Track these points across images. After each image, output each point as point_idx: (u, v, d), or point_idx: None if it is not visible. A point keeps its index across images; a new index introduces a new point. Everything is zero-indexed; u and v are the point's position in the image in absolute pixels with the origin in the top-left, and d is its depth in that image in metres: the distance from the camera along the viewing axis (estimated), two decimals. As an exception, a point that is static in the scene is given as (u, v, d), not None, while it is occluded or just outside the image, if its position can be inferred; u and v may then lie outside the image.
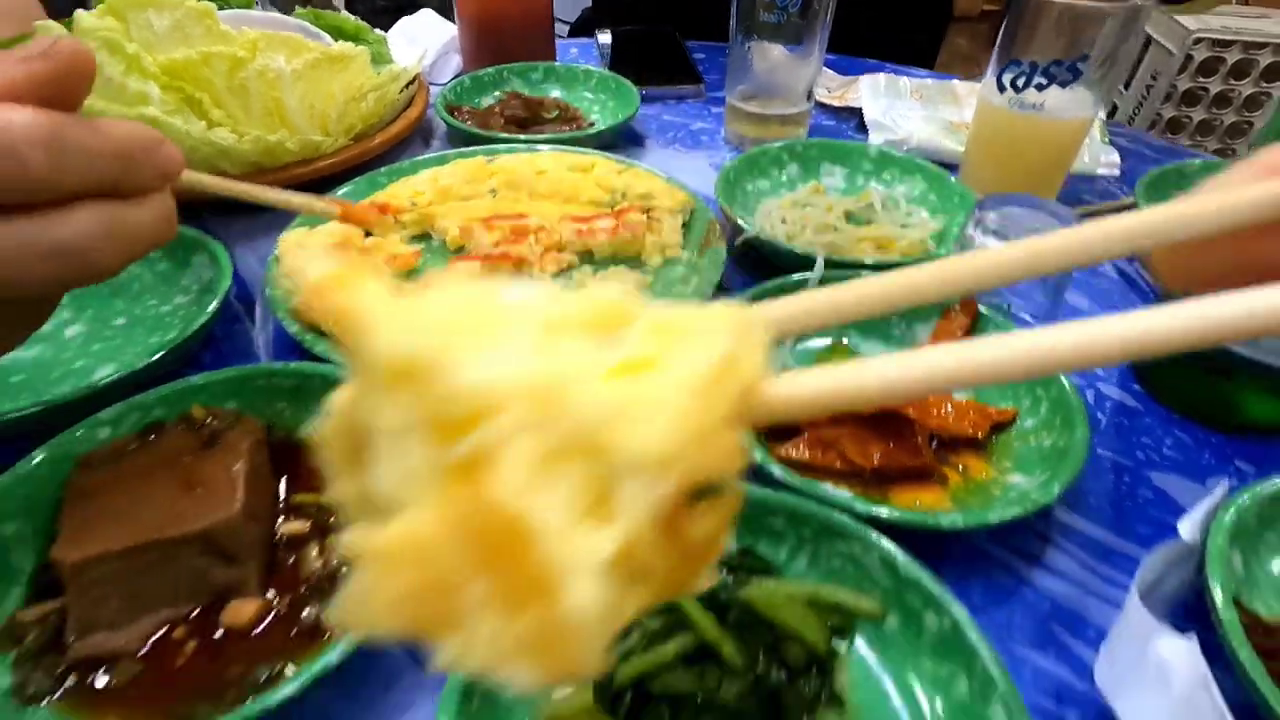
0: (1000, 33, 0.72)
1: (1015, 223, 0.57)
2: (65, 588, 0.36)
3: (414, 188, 0.70)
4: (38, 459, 0.42)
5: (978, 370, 0.14)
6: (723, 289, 0.63)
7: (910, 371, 0.14)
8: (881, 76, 0.97)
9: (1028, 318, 0.59)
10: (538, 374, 0.13)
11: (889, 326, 0.60)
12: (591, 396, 0.13)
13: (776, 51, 0.85)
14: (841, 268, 0.60)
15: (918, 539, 0.39)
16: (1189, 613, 0.40)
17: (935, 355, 0.15)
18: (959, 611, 0.35)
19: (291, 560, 0.41)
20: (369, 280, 0.15)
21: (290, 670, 0.36)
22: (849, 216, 0.74)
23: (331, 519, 0.43)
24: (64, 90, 0.29)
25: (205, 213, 0.69)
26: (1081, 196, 0.83)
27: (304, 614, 0.38)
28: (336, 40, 0.78)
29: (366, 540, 0.13)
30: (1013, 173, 0.74)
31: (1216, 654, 0.33)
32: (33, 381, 0.54)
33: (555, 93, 0.98)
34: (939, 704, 0.35)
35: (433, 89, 0.95)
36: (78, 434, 0.43)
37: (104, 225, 0.30)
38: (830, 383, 0.15)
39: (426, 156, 0.77)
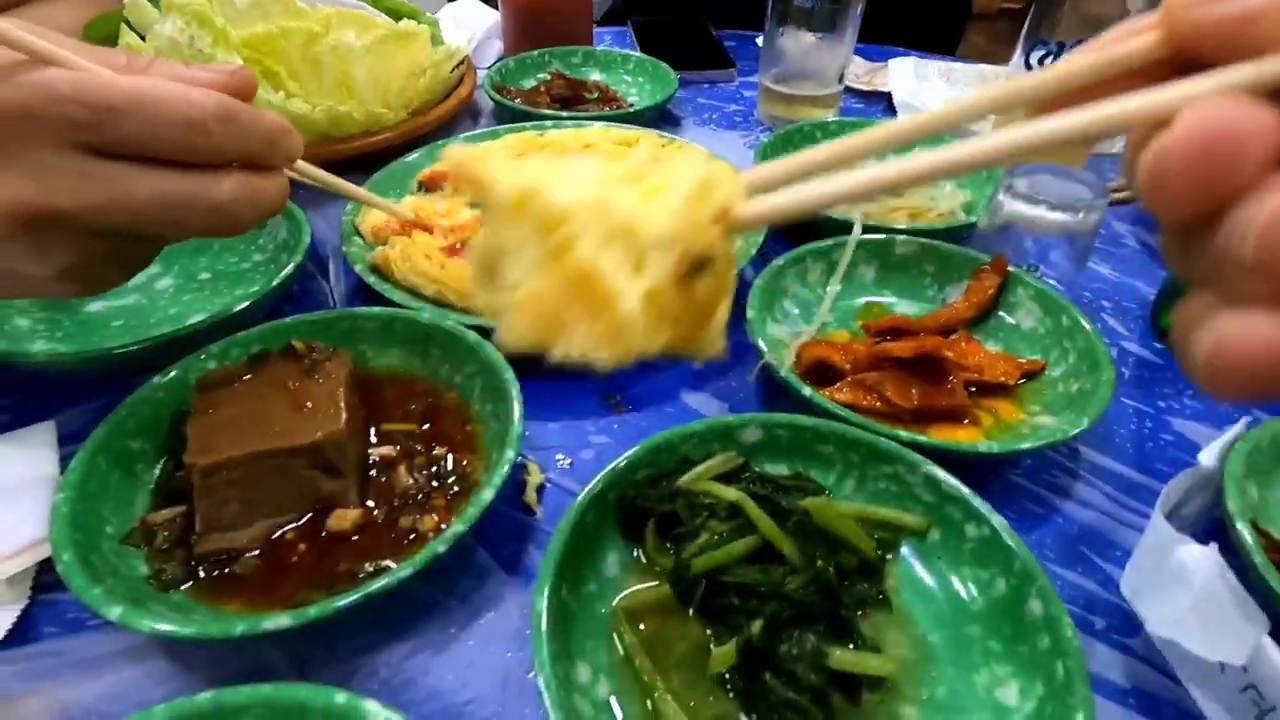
0: (1029, 14, 0.76)
1: (1045, 189, 0.60)
2: (193, 490, 0.41)
3: (470, 158, 0.75)
4: (155, 383, 0.46)
5: (901, 174, 0.21)
6: (762, 255, 0.67)
7: (850, 181, 0.21)
8: (910, 59, 1.00)
9: (1053, 281, 0.62)
10: (596, 195, 0.21)
11: (923, 287, 0.63)
12: (628, 205, 0.21)
13: (809, 37, 0.89)
14: (877, 231, 0.64)
15: (955, 473, 0.42)
16: (1208, 535, 0.43)
17: (871, 172, 0.21)
18: (997, 520, 0.39)
19: (384, 479, 0.45)
20: (490, 153, 0.23)
21: (392, 565, 0.40)
22: (881, 190, 0.77)
23: (417, 445, 0.47)
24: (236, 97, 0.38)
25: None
26: (1105, 175, 0.86)
27: (400, 522, 0.42)
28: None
29: (510, 298, 0.22)
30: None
31: (1236, 573, 0.37)
32: (133, 326, 0.58)
33: (595, 75, 1.02)
34: (981, 602, 0.38)
35: (478, 72, 1.00)
36: (188, 365, 0.48)
37: (246, 191, 0.38)
38: (784, 200, 0.22)
39: (479, 131, 0.81)
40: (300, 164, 0.48)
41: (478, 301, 0.24)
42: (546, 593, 0.35)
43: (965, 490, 0.40)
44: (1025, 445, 0.44)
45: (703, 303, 0.23)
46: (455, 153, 0.23)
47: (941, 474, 0.41)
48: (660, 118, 0.95)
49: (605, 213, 0.21)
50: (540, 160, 0.23)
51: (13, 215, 0.34)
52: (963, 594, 0.39)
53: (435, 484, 0.45)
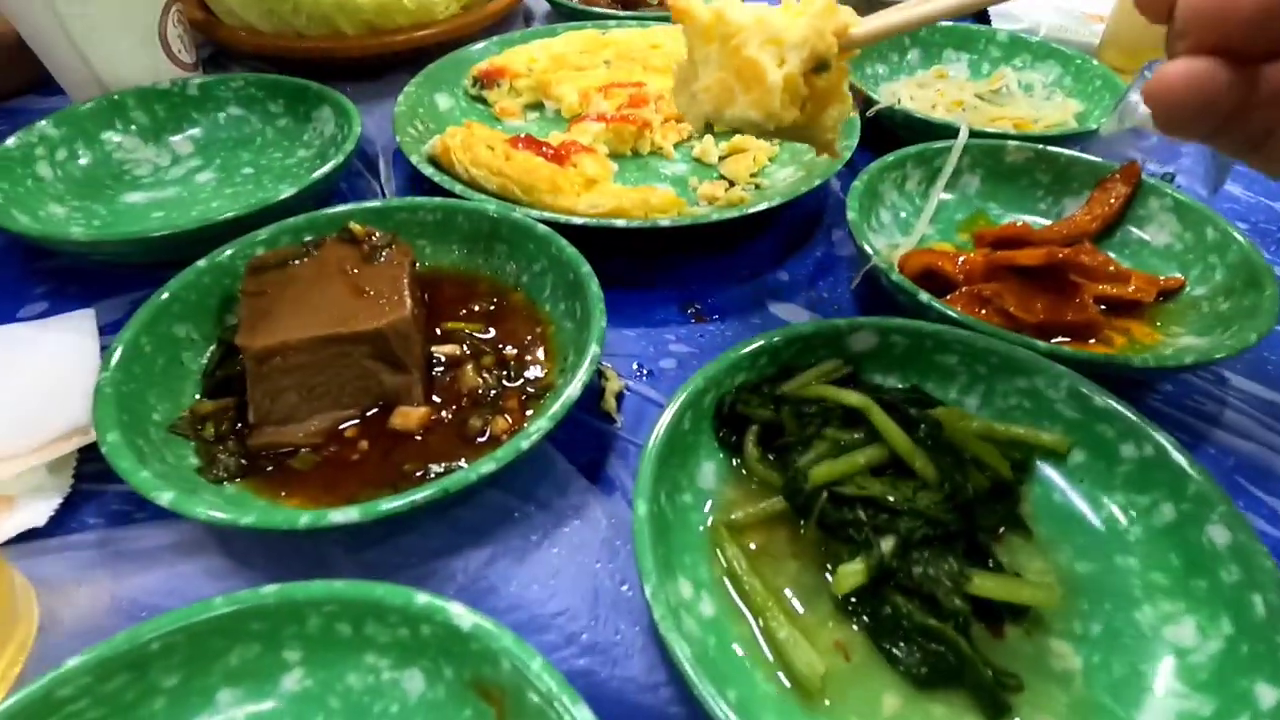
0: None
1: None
2: (246, 377, 0.37)
3: (529, 55, 0.68)
4: (200, 266, 0.42)
5: None
6: (851, 166, 0.60)
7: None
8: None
9: (1190, 193, 0.55)
10: (758, 15, 0.31)
11: (1034, 200, 0.57)
12: (778, 20, 0.31)
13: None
14: (986, 137, 0.57)
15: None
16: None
17: None
18: (1164, 439, 0.33)
19: (450, 379, 0.41)
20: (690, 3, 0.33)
21: (463, 466, 0.36)
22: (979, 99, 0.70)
23: (484, 345, 0.43)
24: None
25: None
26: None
27: (469, 423, 0.38)
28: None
29: (701, 85, 0.33)
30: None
31: None
32: (172, 218, 0.54)
33: (654, -21, 0.94)
34: (1138, 530, 0.33)
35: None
36: (235, 247, 0.43)
37: None
38: (886, 20, 0.32)
39: (534, 29, 0.74)
40: None
41: (676, 101, 0.36)
42: (646, 500, 0.30)
43: (1122, 405, 0.35)
44: (1188, 360, 0.38)
45: (821, 92, 0.33)
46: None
47: (1092, 387, 0.36)
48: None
49: (764, 26, 0.31)
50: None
51: None
52: (1117, 520, 0.34)
53: (506, 385, 0.41)
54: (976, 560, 0.32)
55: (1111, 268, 0.47)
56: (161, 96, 0.61)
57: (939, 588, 0.30)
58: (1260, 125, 0.25)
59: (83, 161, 0.56)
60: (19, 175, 0.52)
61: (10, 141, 0.53)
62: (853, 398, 0.35)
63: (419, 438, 0.38)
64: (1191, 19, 0.24)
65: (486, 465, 0.31)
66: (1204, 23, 0.23)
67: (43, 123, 0.55)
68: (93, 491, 0.36)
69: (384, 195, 0.59)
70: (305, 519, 0.29)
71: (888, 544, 0.30)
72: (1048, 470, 0.37)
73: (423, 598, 0.26)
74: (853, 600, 0.31)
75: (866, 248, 0.45)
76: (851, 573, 0.30)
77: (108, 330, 0.45)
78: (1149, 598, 0.31)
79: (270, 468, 0.36)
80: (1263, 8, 0.23)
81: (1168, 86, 0.24)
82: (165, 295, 0.40)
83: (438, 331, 0.44)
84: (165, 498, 0.30)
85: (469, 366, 0.41)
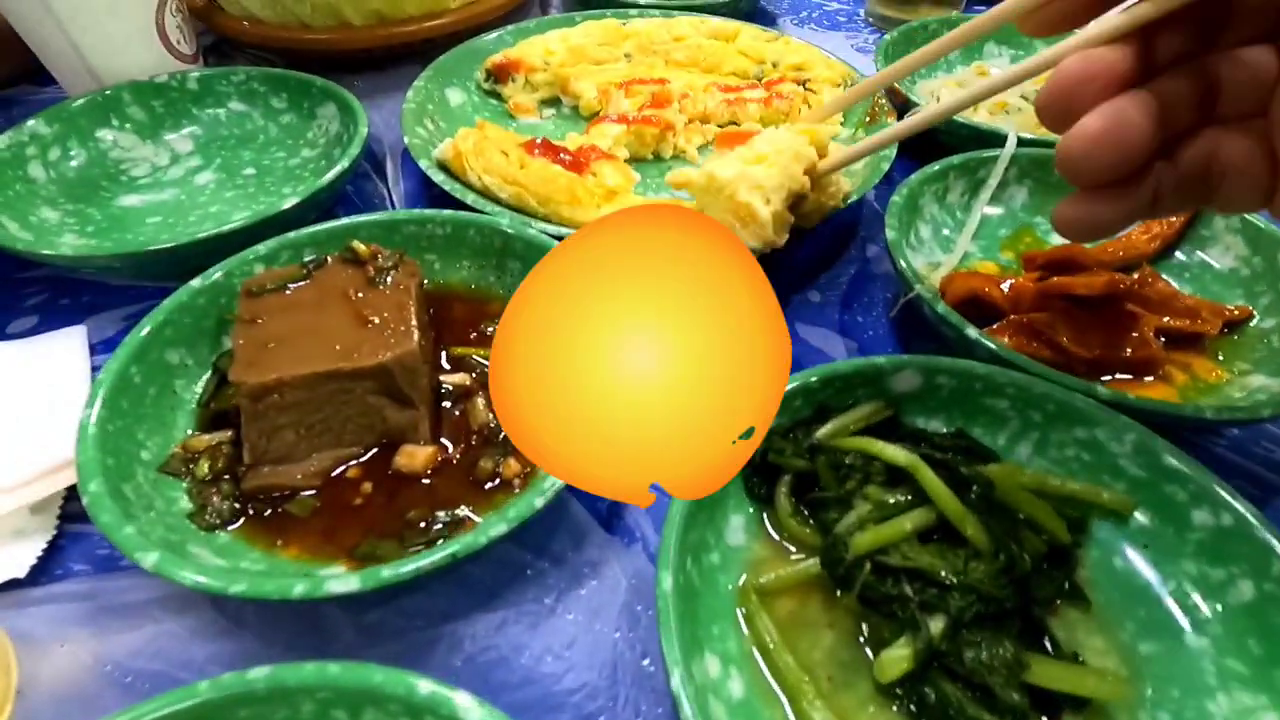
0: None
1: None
2: (240, 414, 0.34)
3: (545, 46, 0.65)
4: (195, 287, 0.39)
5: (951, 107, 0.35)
6: (889, 179, 0.56)
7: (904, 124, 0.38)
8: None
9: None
10: (741, 169, 0.41)
11: (1087, 215, 0.53)
12: (758, 172, 0.41)
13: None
14: (1036, 146, 0.53)
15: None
16: None
17: (918, 116, 0.37)
18: (1244, 508, 0.30)
19: (459, 412, 0.38)
20: (686, 173, 0.45)
21: (471, 516, 0.33)
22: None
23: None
24: None
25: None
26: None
27: (479, 464, 0.35)
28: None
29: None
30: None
31: None
32: (170, 224, 0.51)
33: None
34: (1211, 608, 0.30)
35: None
36: (231, 267, 0.41)
37: None
38: (848, 150, 0.42)
39: (552, 17, 0.70)
40: None
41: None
42: (671, 570, 0.28)
43: (1196, 466, 0.32)
44: (1266, 412, 0.35)
45: (806, 214, 0.44)
46: (677, 175, 0.45)
47: (1161, 444, 0.32)
48: (753, 14, 0.83)
49: (748, 178, 0.40)
50: (714, 160, 0.42)
51: None
52: (1187, 595, 0.31)
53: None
54: (1031, 636, 0.29)
55: (1179, 302, 0.43)
56: (159, 91, 0.58)
57: (994, 677, 0.27)
58: (1180, 204, 0.27)
59: (76, 162, 0.54)
60: (9, 178, 0.50)
61: (0, 141, 0.50)
62: (899, 456, 0.32)
63: (425, 480, 0.35)
64: (1067, 176, 0.25)
65: (498, 527, 0.29)
66: (1080, 180, 0.25)
67: (33, 121, 0.52)
68: (78, 533, 0.34)
69: (391, 200, 0.55)
70: (299, 589, 0.27)
71: (937, 625, 0.28)
72: (1106, 532, 0.33)
73: (426, 686, 0.24)
74: (899, 685, 0.28)
75: (907, 273, 0.42)
76: (897, 659, 0.27)
77: (100, 349, 0.43)
78: (1224, 687, 0.29)
79: (267, 512, 0.34)
80: (1122, 161, 0.24)
81: (1065, 226, 0.27)
82: (157, 320, 0.37)
83: (444, 359, 0.41)
84: (149, 560, 0.27)
85: (479, 399, 0.38)
